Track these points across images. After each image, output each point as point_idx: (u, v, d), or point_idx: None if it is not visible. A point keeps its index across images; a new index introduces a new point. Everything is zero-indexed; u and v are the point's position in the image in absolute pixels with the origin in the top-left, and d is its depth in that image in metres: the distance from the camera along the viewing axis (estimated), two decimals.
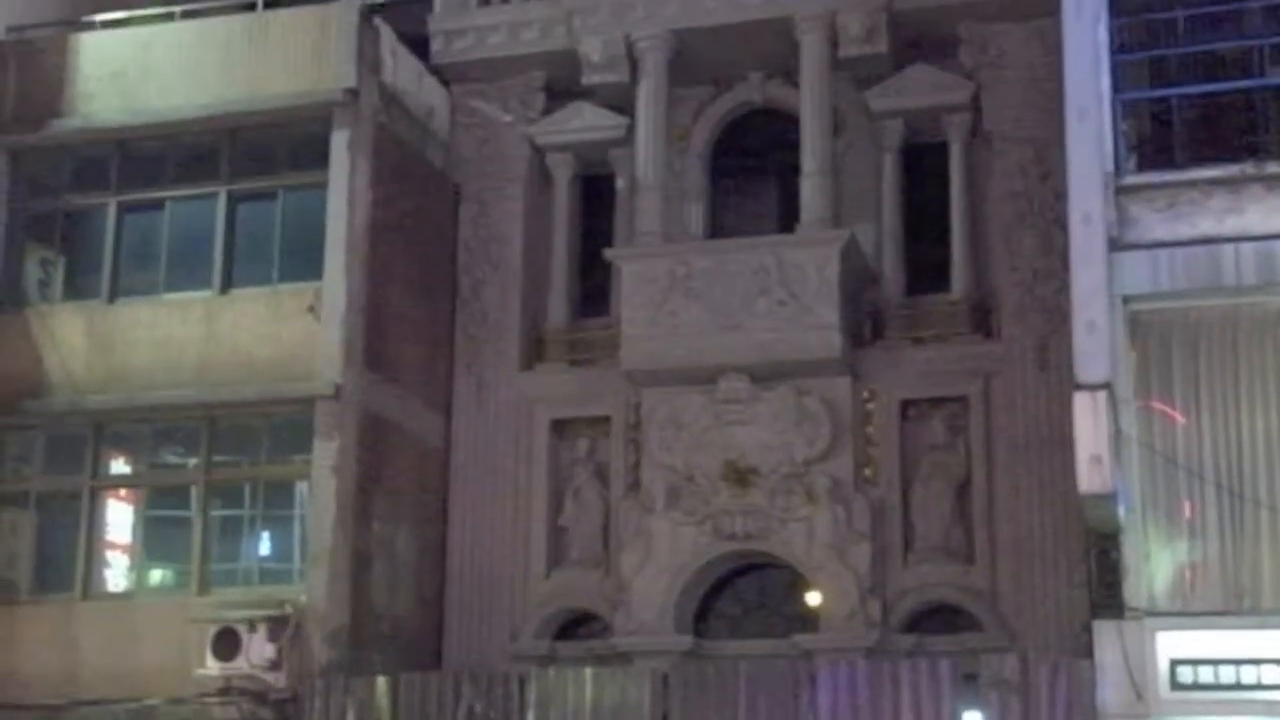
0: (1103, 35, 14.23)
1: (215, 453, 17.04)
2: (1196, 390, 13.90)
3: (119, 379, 17.10)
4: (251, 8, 18.08)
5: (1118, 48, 14.32)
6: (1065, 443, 13.79)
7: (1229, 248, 13.63)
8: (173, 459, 17.73)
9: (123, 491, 17.55)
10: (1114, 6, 14.31)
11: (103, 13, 18.32)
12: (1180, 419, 13.88)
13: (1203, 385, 13.91)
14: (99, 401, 17.09)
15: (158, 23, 18.17)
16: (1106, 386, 13.28)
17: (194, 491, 17.00)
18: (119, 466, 17.79)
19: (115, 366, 17.18)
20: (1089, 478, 13.04)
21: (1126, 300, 13.87)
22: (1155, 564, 13.61)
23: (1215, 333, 13.89)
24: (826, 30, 17.55)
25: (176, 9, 18.27)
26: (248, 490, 17.11)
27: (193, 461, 17.21)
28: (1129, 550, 13.45)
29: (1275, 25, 14.03)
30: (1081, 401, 13.22)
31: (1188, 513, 13.70)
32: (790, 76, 17.97)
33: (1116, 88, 14.24)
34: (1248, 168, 13.70)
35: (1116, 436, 13.28)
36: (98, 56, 17.84)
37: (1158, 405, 13.93)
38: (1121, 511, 13.33)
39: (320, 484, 16.28)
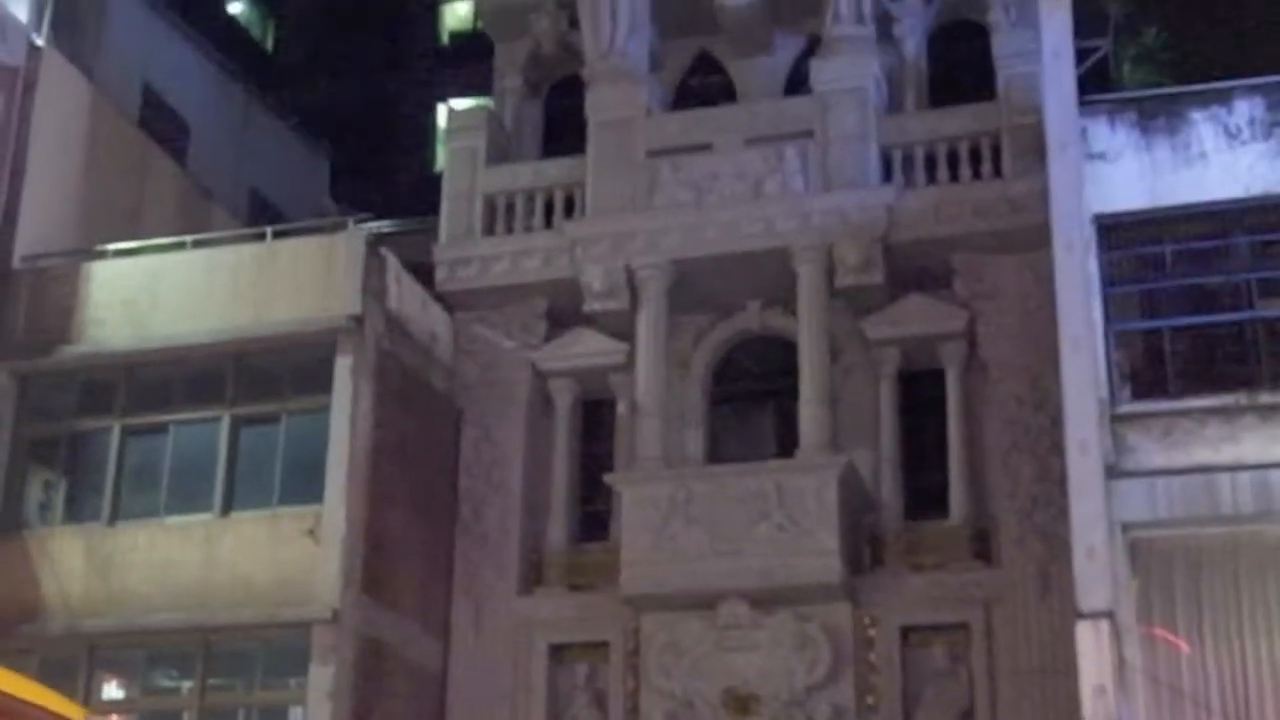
0: (1093, 268, 14.63)
1: (210, 676, 16.86)
2: (1200, 618, 13.86)
3: (116, 602, 17.03)
4: (261, 237, 18.51)
5: (1108, 280, 14.70)
6: (1069, 671, 13.70)
7: (1225, 477, 13.76)
8: (166, 682, 17.54)
9: (114, 716, 17.29)
10: (1103, 241, 14.74)
11: (116, 243, 18.73)
12: (1185, 647, 13.81)
13: (1205, 613, 13.88)
14: (94, 625, 16.98)
15: (169, 251, 18.58)
16: (1109, 615, 13.27)
17: (186, 716, 16.77)
18: (111, 690, 17.58)
19: (113, 590, 17.11)
20: (1094, 708, 12.94)
21: (1126, 528, 13.94)
22: None
23: (1216, 561, 13.92)
24: (824, 261, 17.94)
25: (188, 239, 18.72)
26: (241, 715, 16.91)
27: (187, 685, 17.02)
28: None
29: (1262, 260, 14.43)
30: (1084, 631, 13.20)
31: None
32: (788, 305, 18.30)
33: (1109, 319, 14.57)
34: (1241, 398, 13.93)
35: (1120, 666, 13.20)
36: (109, 284, 18.22)
37: (1161, 633, 13.88)
38: None
39: (315, 710, 16.07)
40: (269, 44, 33.08)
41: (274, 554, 16.81)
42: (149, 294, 18.07)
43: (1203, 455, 13.88)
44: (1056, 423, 15.06)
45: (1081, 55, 15.90)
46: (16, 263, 18.50)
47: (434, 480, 18.47)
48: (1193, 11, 20.18)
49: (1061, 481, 14.75)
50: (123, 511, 17.66)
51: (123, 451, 17.85)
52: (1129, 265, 14.82)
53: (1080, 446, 13.98)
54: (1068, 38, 15.35)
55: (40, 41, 19.35)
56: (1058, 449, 15.18)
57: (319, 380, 17.32)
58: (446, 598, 18.30)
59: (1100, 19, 17.43)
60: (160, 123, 21.54)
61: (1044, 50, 15.42)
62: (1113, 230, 14.82)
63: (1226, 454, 13.83)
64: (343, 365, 17.23)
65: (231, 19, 31.80)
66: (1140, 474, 13.99)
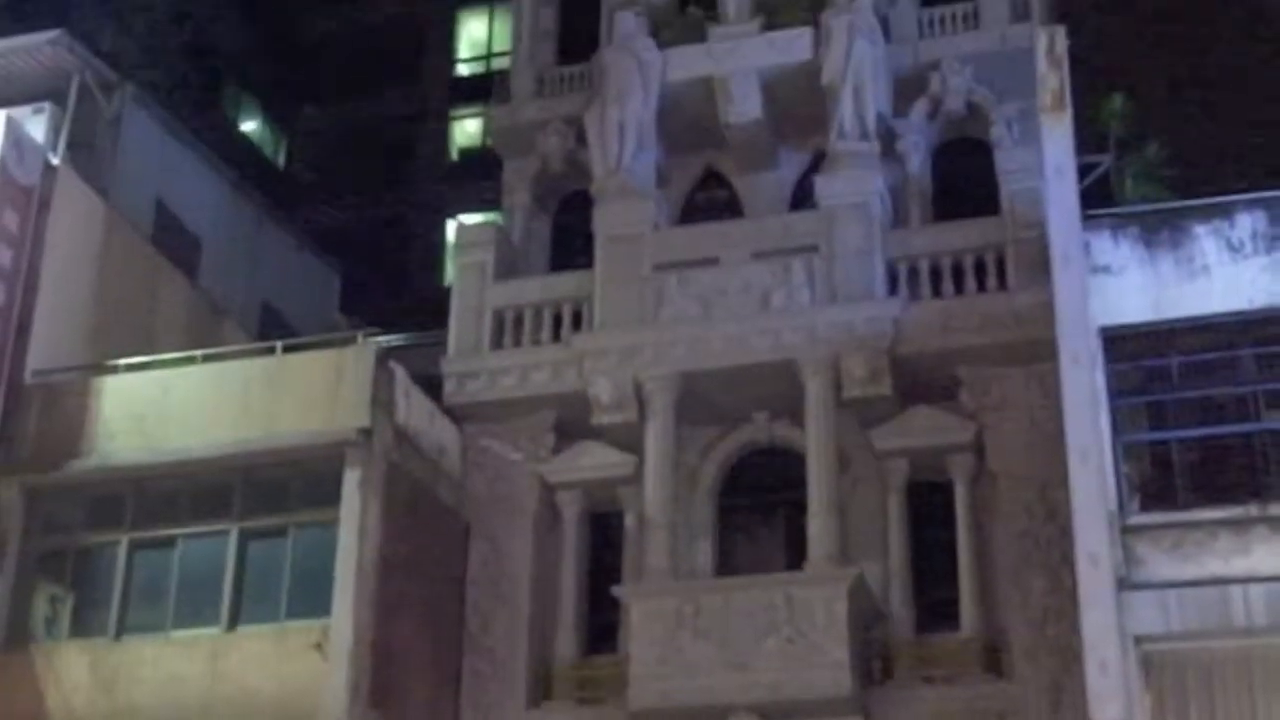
0: (1100, 380, 14.71)
1: None
2: None
3: (121, 718, 16.87)
4: (271, 351, 18.63)
5: (1115, 392, 14.77)
6: None
7: (1237, 589, 13.71)
8: None
9: None
10: (1109, 353, 14.84)
11: (127, 357, 18.85)
12: None
13: None
14: None
15: (179, 366, 18.68)
16: None
17: None
18: None
19: (118, 705, 16.99)
20: None
21: (1138, 640, 13.86)
22: None
23: (1230, 674, 13.82)
24: (831, 373, 18.03)
25: (198, 353, 18.83)
26: None
27: None
28: None
29: (1267, 372, 14.50)
30: None
31: None
32: (796, 417, 18.34)
33: (1116, 431, 14.62)
34: (1252, 509, 13.92)
35: None
36: (120, 399, 18.30)
37: None
38: None
39: None
40: (281, 160, 33.53)
41: (281, 668, 16.71)
42: (159, 408, 18.16)
43: (1214, 567, 13.85)
44: (1066, 534, 15.03)
45: (1083, 170, 16.15)
46: (28, 377, 18.61)
47: (441, 593, 18.40)
48: (1193, 127, 20.48)
49: (1072, 594, 14.70)
50: (129, 626, 17.60)
51: (130, 565, 17.83)
52: (1135, 377, 14.90)
53: (1090, 559, 13.96)
54: (1070, 154, 15.59)
55: (56, 161, 19.65)
56: (1068, 561, 15.13)
57: (327, 493, 17.33)
58: (454, 712, 18.14)
59: (1101, 135, 17.70)
60: (173, 239, 21.77)
61: (1046, 166, 15.64)
62: (1118, 342, 14.93)
63: (1238, 566, 13.80)
64: (351, 478, 17.26)
65: (244, 136, 32.25)
66: (1151, 586, 13.95)
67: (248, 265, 23.75)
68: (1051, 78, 15.65)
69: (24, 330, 18.76)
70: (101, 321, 19.74)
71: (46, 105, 20.06)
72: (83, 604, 17.99)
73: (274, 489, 17.79)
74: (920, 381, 17.97)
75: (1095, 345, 14.83)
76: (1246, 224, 15.00)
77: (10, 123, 19.00)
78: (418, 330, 21.27)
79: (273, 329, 22.68)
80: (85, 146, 20.49)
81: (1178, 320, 14.80)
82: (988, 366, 17.73)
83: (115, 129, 21.07)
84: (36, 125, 19.82)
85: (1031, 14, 19.66)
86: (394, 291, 28.97)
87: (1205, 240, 15.01)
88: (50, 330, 19.02)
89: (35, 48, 20.29)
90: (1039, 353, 16.52)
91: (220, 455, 17.68)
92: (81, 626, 17.86)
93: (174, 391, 18.29)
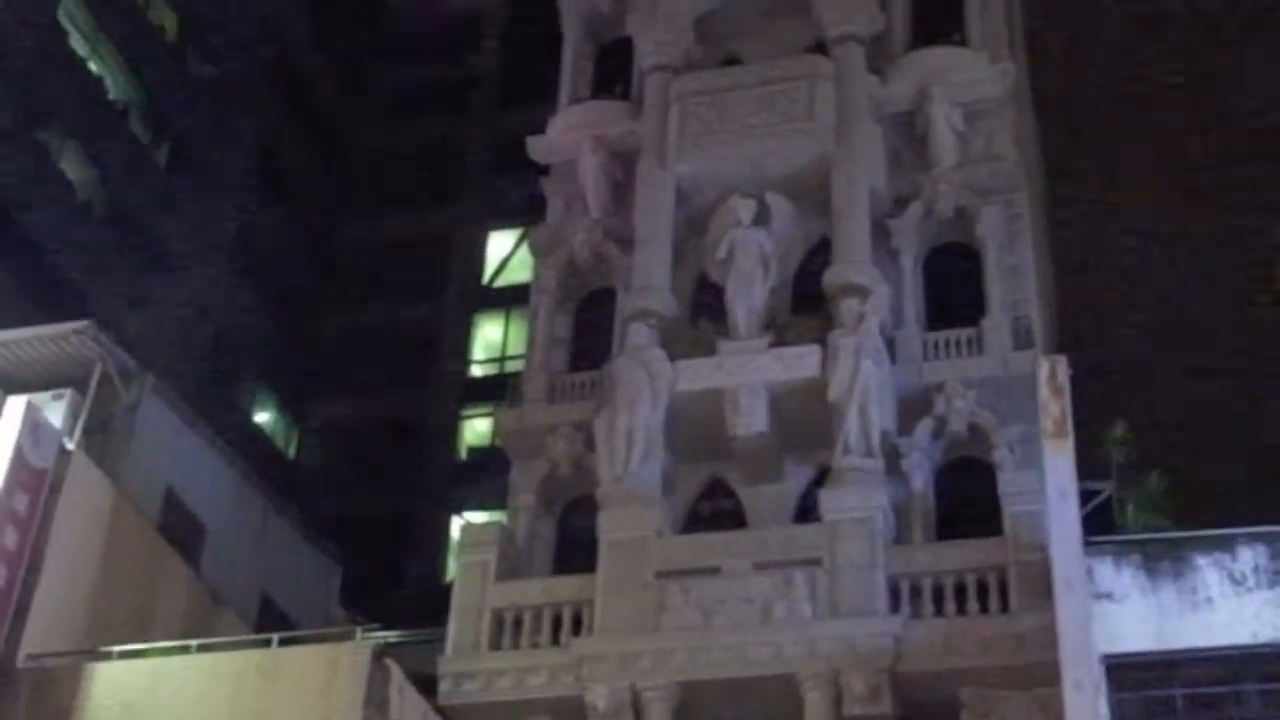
0: (1104, 708, 14.57)
1: None
2: None
3: None
4: (266, 643, 18.47)
5: None
6: None
7: None
8: None
9: None
10: (1112, 681, 14.69)
11: (123, 642, 18.67)
12: None
13: None
14: None
15: (174, 655, 18.49)
16: None
17: None
18: None
19: None
20: None
21: None
22: None
23: None
24: (831, 688, 17.84)
25: (193, 643, 18.66)
26: None
27: None
28: None
29: (1274, 708, 14.32)
30: None
31: None
32: None
33: None
34: None
35: None
36: (111, 686, 18.04)
37: None
38: None
39: None
40: (291, 451, 33.81)
41: None
42: (150, 697, 17.89)
43: None
44: None
45: (1085, 496, 16.29)
46: (21, 661, 18.39)
47: None
48: (1195, 458, 20.74)
49: None
50: None
51: None
52: (1140, 707, 14.75)
53: None
54: (1072, 479, 15.79)
55: (70, 445, 19.88)
56: None
57: None
58: None
59: (1103, 462, 17.92)
60: (178, 525, 21.82)
61: (1049, 491, 15.81)
62: (1121, 671, 14.81)
63: None
64: None
65: (257, 427, 32.63)
66: None
67: (250, 555, 23.73)
68: (1054, 405, 15.98)
69: (22, 612, 18.64)
70: (101, 605, 19.63)
71: (67, 392, 20.41)
72: None
73: None
74: (921, 701, 17.75)
75: (1098, 673, 14.73)
76: (1248, 557, 15.07)
77: (30, 408, 19.30)
78: (417, 626, 21.10)
79: (271, 620, 22.51)
80: (100, 431, 20.76)
81: (1181, 651, 14.72)
82: (989, 689, 17.53)
83: (132, 416, 21.37)
84: (55, 410, 20.13)
85: (1034, 342, 20.18)
86: (395, 585, 28.83)
87: (1207, 571, 15.06)
88: (48, 612, 18.89)
89: (62, 336, 20.75)
90: (1041, 677, 16.35)
91: None
92: None
93: (166, 681, 18.06)
